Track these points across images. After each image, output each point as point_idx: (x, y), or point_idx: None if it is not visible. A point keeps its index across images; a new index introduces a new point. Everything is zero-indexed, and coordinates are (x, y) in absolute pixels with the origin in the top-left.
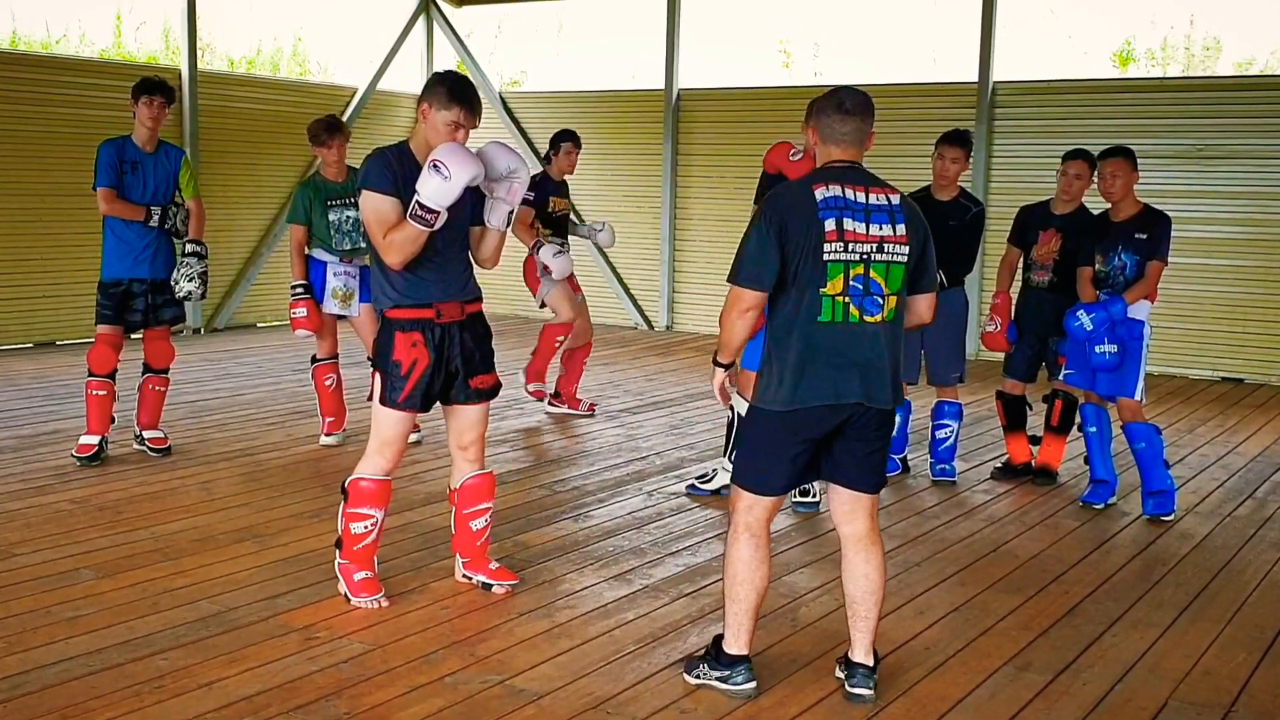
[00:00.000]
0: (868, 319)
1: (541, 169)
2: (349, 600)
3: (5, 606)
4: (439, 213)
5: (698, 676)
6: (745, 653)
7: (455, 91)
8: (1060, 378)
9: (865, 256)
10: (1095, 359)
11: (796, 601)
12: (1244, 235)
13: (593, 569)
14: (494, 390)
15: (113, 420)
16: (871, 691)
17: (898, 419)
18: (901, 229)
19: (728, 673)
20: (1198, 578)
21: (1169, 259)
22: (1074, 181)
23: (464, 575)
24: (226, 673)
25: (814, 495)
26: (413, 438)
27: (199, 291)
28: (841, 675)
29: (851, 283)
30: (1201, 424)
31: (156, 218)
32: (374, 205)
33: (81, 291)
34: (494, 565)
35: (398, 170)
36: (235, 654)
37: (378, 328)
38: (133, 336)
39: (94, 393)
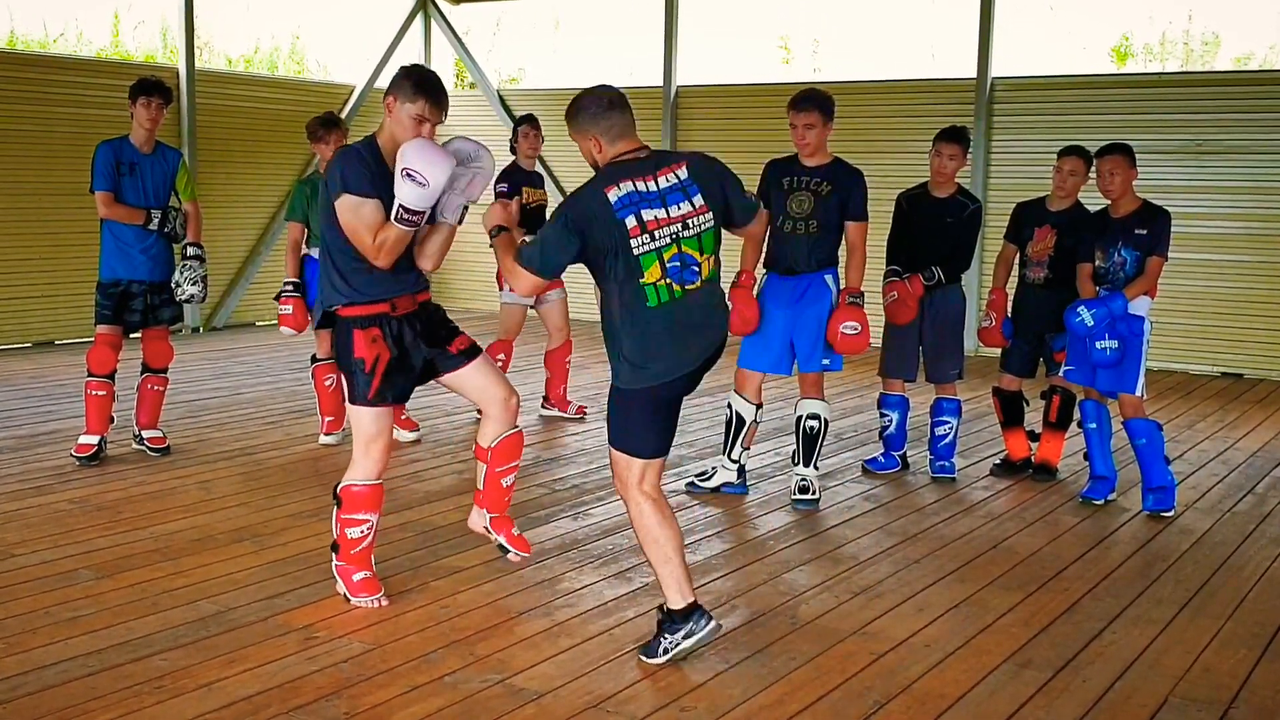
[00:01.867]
0: (689, 287)
1: (512, 159)
2: (348, 600)
3: (4, 607)
4: (424, 213)
5: (665, 652)
6: (693, 599)
7: (421, 84)
8: (1060, 374)
9: (674, 237)
10: (1096, 355)
11: (795, 600)
12: (1243, 230)
13: (592, 567)
14: (476, 347)
15: (112, 420)
16: None
17: (895, 415)
18: (699, 200)
19: (688, 625)
20: (1198, 574)
21: (1169, 254)
22: (1068, 178)
23: (485, 528)
24: (226, 673)
25: (814, 493)
26: (411, 437)
27: (201, 295)
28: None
29: (668, 264)
30: (1201, 419)
31: (156, 221)
32: (357, 209)
33: (80, 291)
34: (515, 531)
35: (374, 169)
36: (234, 654)
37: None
38: (131, 336)
39: (93, 393)
